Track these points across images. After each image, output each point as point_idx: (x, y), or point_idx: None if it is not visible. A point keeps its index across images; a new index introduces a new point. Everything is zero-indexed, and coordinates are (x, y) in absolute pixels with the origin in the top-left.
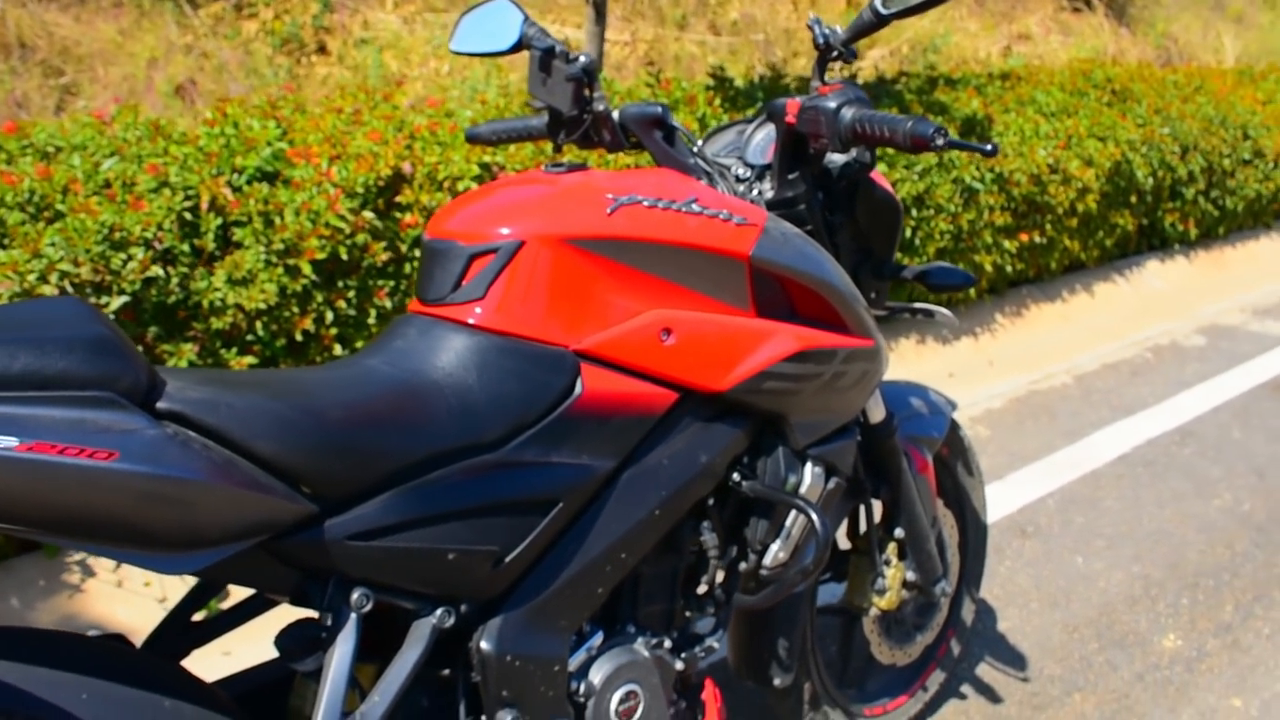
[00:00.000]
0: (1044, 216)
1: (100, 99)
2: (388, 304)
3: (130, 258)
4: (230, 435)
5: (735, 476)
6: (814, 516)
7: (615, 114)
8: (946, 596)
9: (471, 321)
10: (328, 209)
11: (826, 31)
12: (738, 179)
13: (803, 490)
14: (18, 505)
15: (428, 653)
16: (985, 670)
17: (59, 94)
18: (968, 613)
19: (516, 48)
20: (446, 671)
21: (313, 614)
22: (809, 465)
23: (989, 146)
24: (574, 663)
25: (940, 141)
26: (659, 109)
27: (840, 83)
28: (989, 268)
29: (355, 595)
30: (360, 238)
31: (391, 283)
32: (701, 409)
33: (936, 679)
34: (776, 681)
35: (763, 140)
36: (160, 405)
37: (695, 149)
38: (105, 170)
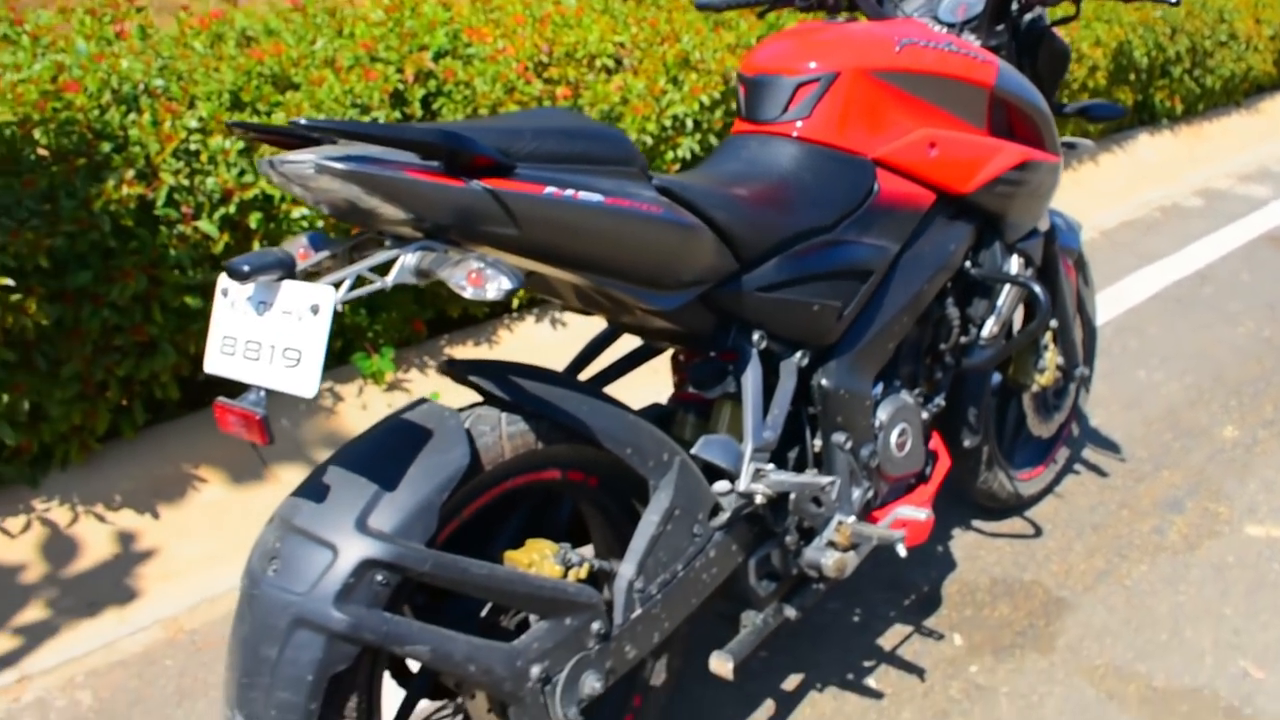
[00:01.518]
0: (1060, 92)
1: None
2: None
3: (375, 120)
4: (698, 205)
5: (967, 264)
6: (1038, 289)
7: None
8: (1085, 378)
9: (797, 135)
10: (519, 78)
11: None
12: None
13: (1012, 275)
14: (594, 246)
15: (794, 388)
16: (1091, 452)
17: None
18: (1083, 400)
19: None
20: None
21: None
22: (1015, 257)
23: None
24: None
25: None
26: None
27: None
28: None
29: (755, 336)
30: (546, 103)
31: None
32: (950, 209)
33: (1063, 454)
34: (966, 443)
35: (952, 2)
36: (654, 182)
37: (898, 7)
38: (318, 49)
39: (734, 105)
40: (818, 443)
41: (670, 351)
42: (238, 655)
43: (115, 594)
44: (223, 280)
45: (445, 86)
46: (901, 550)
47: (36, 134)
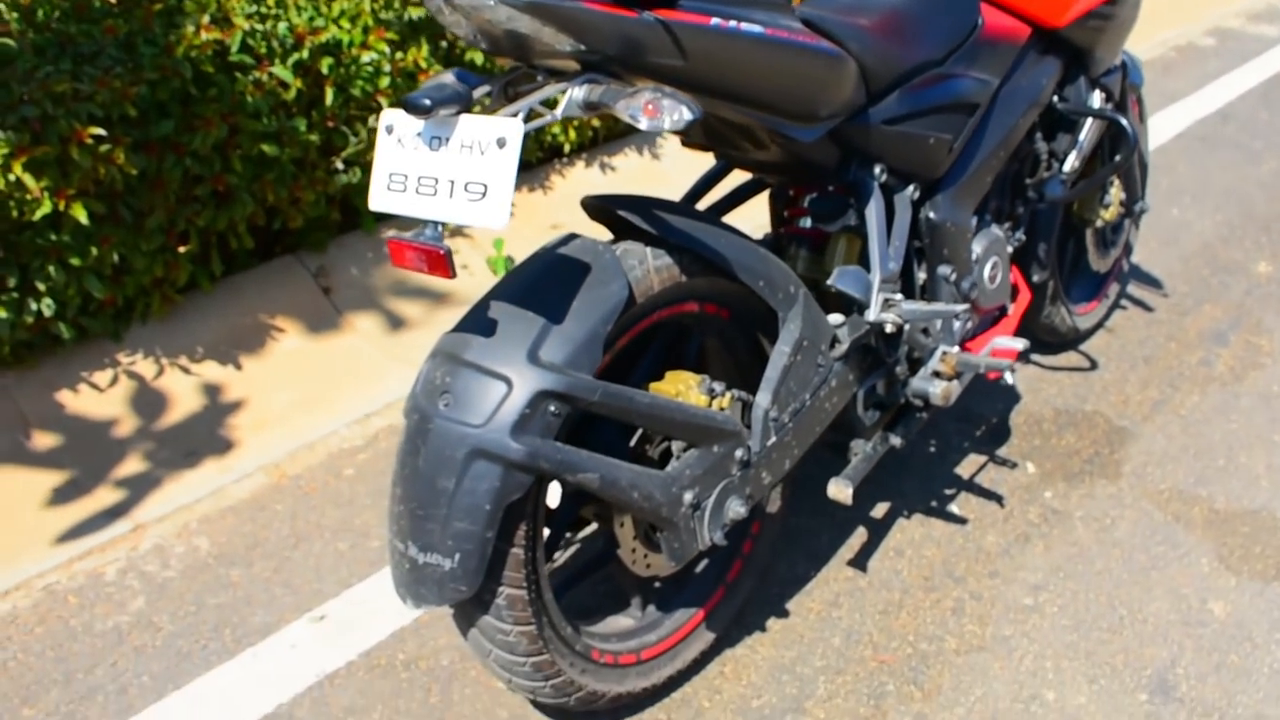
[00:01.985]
0: None
1: None
2: None
3: None
4: (837, 36)
5: (1054, 98)
6: (1125, 123)
7: None
8: (1144, 214)
9: None
10: None
11: None
12: None
13: (1097, 109)
14: (752, 78)
15: (908, 221)
16: (1135, 288)
17: None
18: (1133, 237)
19: None
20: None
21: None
22: (1098, 91)
23: None
24: None
25: None
26: None
27: None
28: None
29: (877, 169)
30: None
31: None
32: (1042, 43)
33: (1114, 289)
34: (1035, 277)
35: None
36: (796, 14)
37: None
38: None
39: None
40: (922, 275)
41: (767, 190)
42: (410, 488)
43: (212, 443)
44: (386, 116)
45: None
46: (1009, 377)
47: None
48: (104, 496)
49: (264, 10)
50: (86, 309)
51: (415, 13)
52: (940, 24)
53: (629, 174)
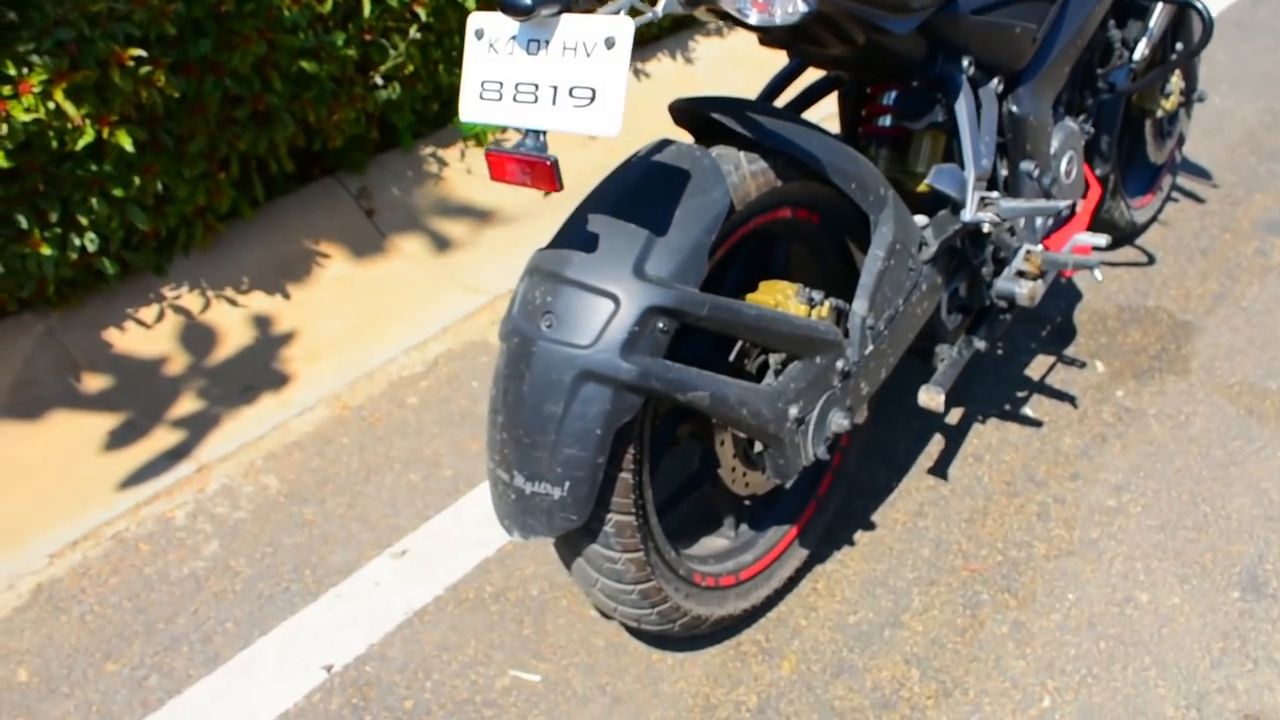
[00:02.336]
0: None
1: None
2: None
3: None
4: None
5: None
6: (1200, 6)
7: None
8: (1201, 102)
9: None
10: None
11: None
12: None
13: None
14: None
15: (995, 116)
16: (1185, 180)
17: None
18: (1186, 128)
19: None
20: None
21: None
22: None
23: None
24: None
25: None
26: None
27: None
28: None
29: (965, 62)
30: None
31: None
32: None
33: (1168, 181)
34: (1098, 170)
35: None
36: None
37: None
38: None
39: None
40: (1004, 171)
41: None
42: (515, 414)
43: (267, 377)
44: (475, 20)
45: None
46: (1098, 274)
47: None
48: (163, 438)
49: None
50: (129, 242)
51: None
52: None
53: (663, 80)
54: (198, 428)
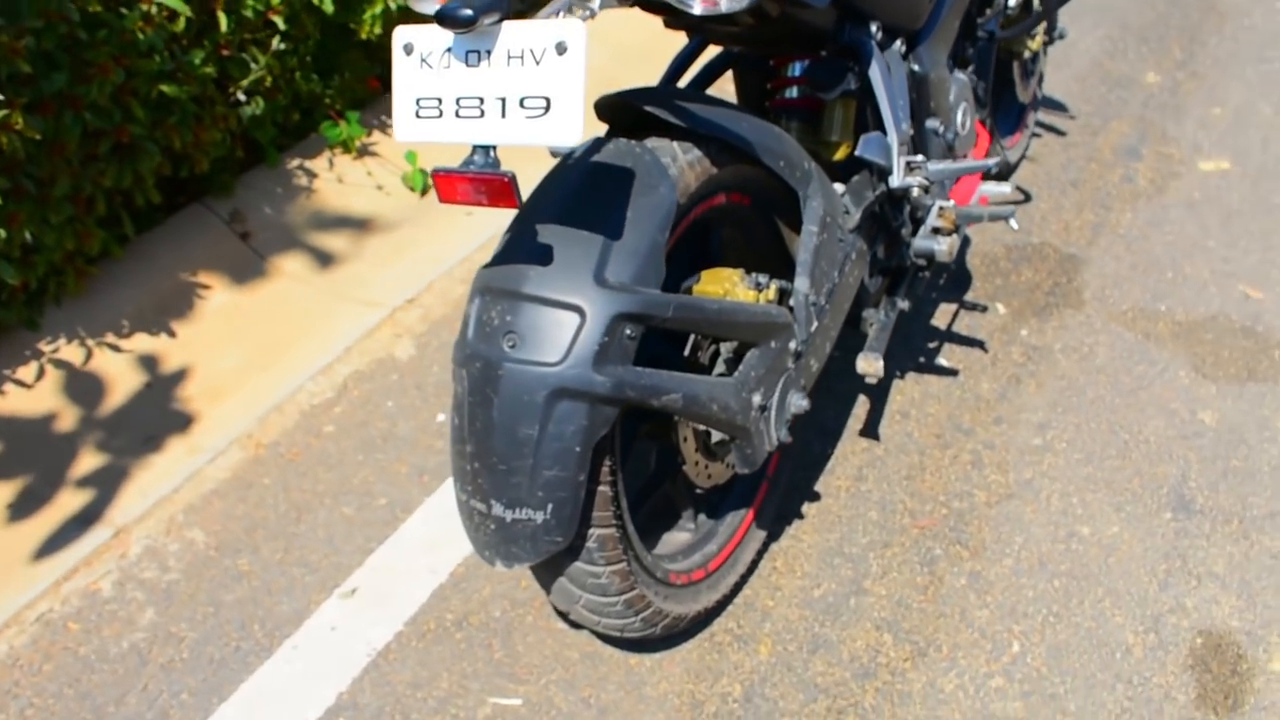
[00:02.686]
0: None
1: None
2: None
3: None
4: None
5: None
6: None
7: None
8: (1063, 39)
9: None
10: None
11: None
12: None
13: None
14: None
15: (904, 77)
16: (1043, 115)
17: None
18: (1044, 65)
19: None
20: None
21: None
22: None
23: None
24: None
25: None
26: None
27: None
28: None
29: (873, 27)
30: None
31: None
32: None
33: (1032, 119)
34: (979, 117)
35: None
36: None
37: None
38: None
39: None
40: (909, 130)
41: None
42: (486, 442)
43: (170, 424)
44: (402, 34)
45: None
46: (1014, 223)
47: None
48: (70, 502)
49: None
50: None
51: None
52: None
53: None
54: (106, 487)
